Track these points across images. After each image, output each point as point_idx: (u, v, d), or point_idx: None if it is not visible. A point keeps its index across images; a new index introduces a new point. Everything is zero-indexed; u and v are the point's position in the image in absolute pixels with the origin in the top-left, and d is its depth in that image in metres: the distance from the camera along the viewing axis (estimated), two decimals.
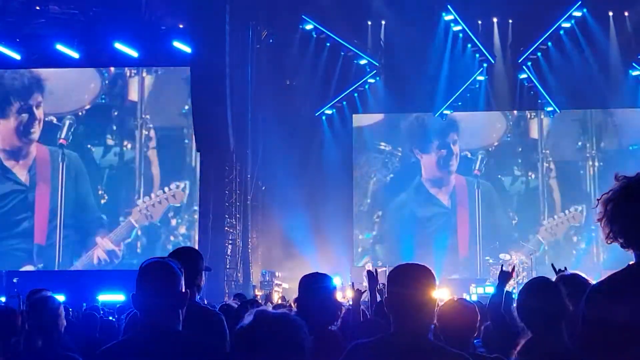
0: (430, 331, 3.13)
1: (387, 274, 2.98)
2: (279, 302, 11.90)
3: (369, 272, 5.59)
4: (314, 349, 3.39)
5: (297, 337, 2.61)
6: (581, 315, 2.10)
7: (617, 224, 2.14)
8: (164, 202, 15.94)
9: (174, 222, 16.05)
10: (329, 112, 20.92)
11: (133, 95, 16.95)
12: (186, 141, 16.67)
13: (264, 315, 2.62)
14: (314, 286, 3.73)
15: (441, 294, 8.64)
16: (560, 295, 3.31)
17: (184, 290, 2.86)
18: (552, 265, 4.82)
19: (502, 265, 5.31)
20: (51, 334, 3.93)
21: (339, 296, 4.31)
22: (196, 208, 16.54)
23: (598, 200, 2.22)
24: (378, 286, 5.46)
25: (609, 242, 2.19)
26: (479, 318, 4.47)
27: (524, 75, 20.37)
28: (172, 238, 16.30)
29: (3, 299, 10.39)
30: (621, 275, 2.11)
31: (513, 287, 15.93)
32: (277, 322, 2.60)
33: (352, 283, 9.90)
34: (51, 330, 3.94)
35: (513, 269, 5.26)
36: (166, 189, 16.28)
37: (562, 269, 4.77)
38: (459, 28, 20.00)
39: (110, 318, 6.63)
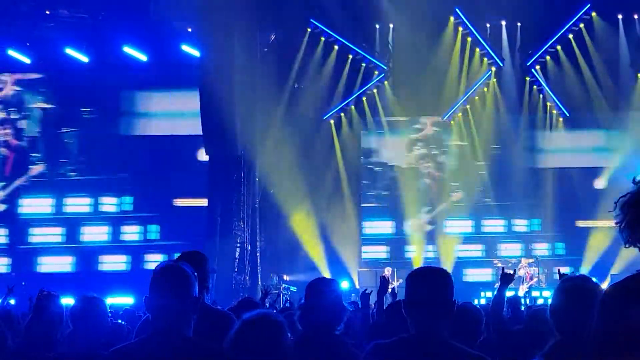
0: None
1: (405, 276, 2.98)
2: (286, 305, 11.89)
3: (382, 277, 5.61)
4: (320, 353, 3.38)
5: (278, 335, 2.86)
6: (597, 315, 2.02)
7: (638, 228, 2.03)
8: None
9: None
10: (337, 115, 20.91)
11: None
12: None
13: (247, 316, 2.92)
14: (322, 289, 3.72)
15: None
16: (597, 299, 3.19)
17: (197, 295, 2.85)
18: (559, 270, 4.82)
19: (503, 268, 5.46)
20: (95, 335, 3.90)
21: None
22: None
23: (615, 203, 2.11)
24: (389, 289, 5.47)
25: (627, 246, 2.07)
26: (483, 321, 4.46)
27: (532, 79, 20.32)
28: None
29: (12, 302, 10.44)
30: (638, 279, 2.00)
31: (526, 291, 15.99)
32: (259, 321, 2.88)
33: (359, 289, 9.89)
34: (95, 332, 3.91)
35: (514, 272, 5.37)
36: None
37: (567, 272, 4.74)
38: (467, 31, 19.96)
39: (120, 321, 6.61)
